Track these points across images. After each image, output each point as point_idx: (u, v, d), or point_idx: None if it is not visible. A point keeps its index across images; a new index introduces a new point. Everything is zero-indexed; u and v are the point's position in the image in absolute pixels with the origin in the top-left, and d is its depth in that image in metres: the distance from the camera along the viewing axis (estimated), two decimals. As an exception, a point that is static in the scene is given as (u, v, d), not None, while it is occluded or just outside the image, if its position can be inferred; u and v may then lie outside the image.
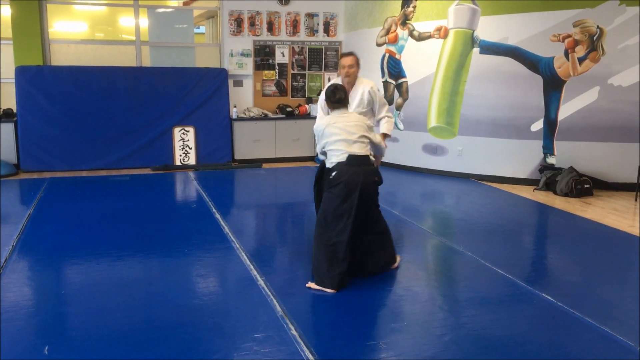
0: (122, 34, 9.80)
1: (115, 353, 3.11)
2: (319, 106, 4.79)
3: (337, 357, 3.10)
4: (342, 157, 4.15)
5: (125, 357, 3.06)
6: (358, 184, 4.07)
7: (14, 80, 8.31)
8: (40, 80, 8.32)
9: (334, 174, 4.15)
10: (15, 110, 8.44)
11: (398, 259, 4.63)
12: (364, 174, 4.14)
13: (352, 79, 4.67)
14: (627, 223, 5.97)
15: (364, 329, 3.46)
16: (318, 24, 9.85)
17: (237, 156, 9.28)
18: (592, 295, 4.07)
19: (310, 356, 3.08)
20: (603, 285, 4.27)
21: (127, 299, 3.86)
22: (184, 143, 8.96)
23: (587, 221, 6.09)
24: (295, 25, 9.73)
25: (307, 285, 4.12)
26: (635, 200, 6.95)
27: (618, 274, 4.53)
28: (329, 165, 4.27)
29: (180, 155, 8.96)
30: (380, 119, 4.89)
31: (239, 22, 9.45)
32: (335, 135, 4.19)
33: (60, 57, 8.95)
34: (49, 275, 4.39)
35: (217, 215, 5.99)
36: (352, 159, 4.14)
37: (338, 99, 4.32)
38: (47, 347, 3.15)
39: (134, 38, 9.30)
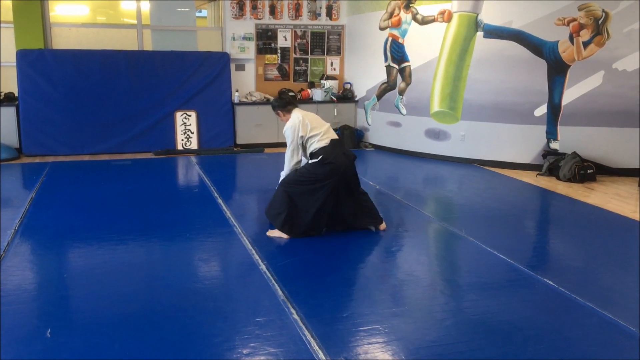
0: (123, 18, 9.74)
1: (117, 336, 3.12)
2: (294, 136, 4.90)
3: (338, 341, 3.11)
4: (325, 142, 4.80)
5: (127, 340, 3.08)
6: (344, 164, 4.76)
7: (15, 64, 8.28)
8: (42, 64, 8.29)
9: (321, 156, 4.74)
10: (16, 94, 8.41)
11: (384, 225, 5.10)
12: (345, 154, 4.86)
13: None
14: (630, 209, 5.96)
15: (365, 313, 3.46)
16: (321, 8, 9.76)
17: (239, 141, 9.26)
18: (594, 280, 4.07)
19: (311, 340, 3.09)
20: (605, 271, 4.26)
21: (129, 282, 3.87)
22: (186, 127, 8.93)
23: (589, 206, 6.08)
24: (297, 8, 9.65)
25: (267, 233, 4.86)
26: (638, 185, 6.92)
27: (620, 260, 4.53)
28: (311, 150, 4.85)
29: (182, 140, 8.94)
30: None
31: (241, 5, 9.38)
32: (314, 124, 4.86)
33: (62, 41, 8.91)
34: (51, 258, 4.40)
35: (219, 200, 5.99)
36: (334, 142, 4.84)
37: (291, 100, 5.30)
38: (49, 330, 3.16)
39: (135, 21, 9.24)
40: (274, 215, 4.87)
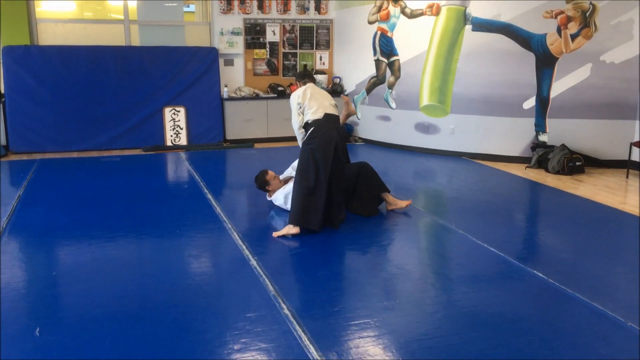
0: (110, 13, 9.66)
1: (107, 333, 3.10)
2: (294, 103, 5.04)
3: (329, 336, 3.11)
4: (319, 114, 4.83)
5: (117, 337, 3.06)
6: (334, 138, 4.76)
7: (0, 61, 8.19)
8: (28, 60, 8.20)
9: (312, 128, 4.80)
10: (2, 91, 8.33)
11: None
12: (337, 130, 4.86)
13: None
14: (618, 200, 6.00)
15: (356, 307, 3.46)
16: (309, 2, 9.73)
17: (229, 136, 9.23)
18: (583, 271, 4.10)
19: (302, 335, 3.09)
20: (594, 262, 4.29)
21: (118, 279, 3.85)
22: (175, 123, 8.89)
23: (578, 198, 6.11)
24: (286, 3, 9.61)
25: (273, 234, 4.70)
26: (627, 177, 6.97)
27: (609, 251, 4.56)
28: (306, 120, 4.90)
29: (171, 136, 8.89)
30: None
31: (229, 0, 9.32)
32: (313, 97, 4.91)
33: (48, 37, 8.82)
34: (39, 256, 4.37)
35: (209, 196, 5.97)
36: (328, 116, 4.84)
37: (308, 73, 5.31)
38: (38, 329, 3.14)
39: (122, 17, 9.17)
40: (293, 213, 4.73)
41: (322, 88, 9.46)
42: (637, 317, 3.34)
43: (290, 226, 4.71)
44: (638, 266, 4.13)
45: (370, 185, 5.39)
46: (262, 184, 5.49)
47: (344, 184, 5.05)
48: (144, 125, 8.76)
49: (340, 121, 5.18)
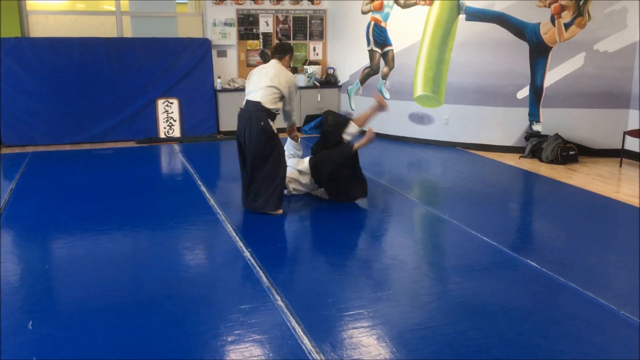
0: (102, 5, 9.58)
1: (101, 326, 3.09)
2: None
3: (323, 327, 3.11)
4: (245, 101, 5.01)
5: (111, 330, 3.05)
6: (242, 128, 4.93)
7: (-9, 53, 8.12)
8: (19, 53, 8.13)
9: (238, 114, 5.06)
10: (-6, 84, 8.26)
11: (280, 211, 5.06)
12: (249, 117, 4.88)
13: None
14: (612, 189, 6.01)
15: (350, 298, 3.47)
16: (302, -8, 9.67)
17: (223, 128, 9.19)
18: (577, 260, 4.11)
19: (296, 326, 3.09)
20: (587, 251, 4.30)
21: (112, 272, 3.84)
22: (168, 115, 8.84)
23: (572, 188, 6.12)
24: (279, -7, 9.55)
25: None
26: (620, 166, 6.99)
27: (602, 240, 4.58)
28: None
29: (165, 128, 8.85)
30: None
31: (221, -10, 9.26)
32: (252, 81, 5.03)
33: (39, 29, 8.74)
34: (32, 250, 4.35)
35: (203, 188, 5.95)
36: (248, 103, 4.97)
37: (273, 50, 5.32)
38: (30, 322, 3.13)
39: (114, 8, 9.10)
40: None
41: (312, 76, 9.42)
42: (630, 305, 3.35)
43: None
44: (638, 256, 4.14)
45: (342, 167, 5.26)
46: None
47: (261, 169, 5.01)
48: (137, 118, 8.71)
49: (360, 124, 5.40)
